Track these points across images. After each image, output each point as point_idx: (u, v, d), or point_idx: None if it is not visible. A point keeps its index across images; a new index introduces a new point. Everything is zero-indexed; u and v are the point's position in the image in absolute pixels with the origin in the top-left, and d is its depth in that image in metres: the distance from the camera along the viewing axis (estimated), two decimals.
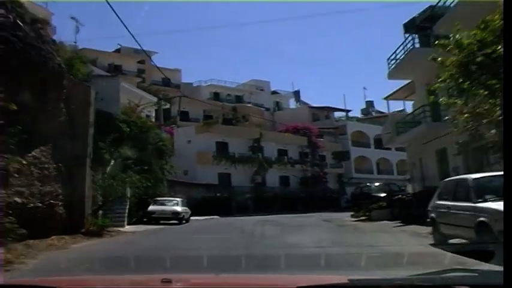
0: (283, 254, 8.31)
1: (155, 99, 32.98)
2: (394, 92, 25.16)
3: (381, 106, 70.50)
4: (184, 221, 25.11)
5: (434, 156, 21.02)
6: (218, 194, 41.82)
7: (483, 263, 5.46)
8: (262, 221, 23.04)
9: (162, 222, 23.87)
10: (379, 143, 59.54)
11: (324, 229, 17.67)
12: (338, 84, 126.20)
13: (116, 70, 51.98)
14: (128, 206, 22.56)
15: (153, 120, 45.90)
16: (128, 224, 22.04)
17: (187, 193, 35.18)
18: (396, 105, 53.12)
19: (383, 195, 21.81)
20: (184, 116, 54.52)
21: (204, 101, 58.58)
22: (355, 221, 21.44)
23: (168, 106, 48.31)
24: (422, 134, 20.84)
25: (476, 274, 2.32)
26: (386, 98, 26.26)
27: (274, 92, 79.39)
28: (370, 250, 9.76)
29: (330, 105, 58.36)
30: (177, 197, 26.99)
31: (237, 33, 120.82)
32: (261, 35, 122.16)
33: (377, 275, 5.31)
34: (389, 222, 18.93)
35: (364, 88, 65.21)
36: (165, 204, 24.99)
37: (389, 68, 22.96)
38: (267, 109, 66.97)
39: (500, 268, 2.41)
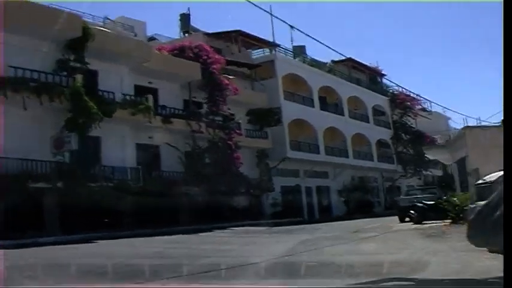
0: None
1: None
2: None
3: (315, 53, 45.93)
4: None
5: None
6: None
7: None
8: None
9: None
10: (324, 102, 35.06)
11: None
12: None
13: None
14: None
15: None
16: None
17: None
18: None
19: None
20: None
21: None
22: None
23: None
24: None
25: (413, 283, 2.34)
26: None
27: (152, 39, 53.16)
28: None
29: (242, 30, 32.42)
30: None
31: None
32: None
33: (316, 284, 5.39)
34: None
35: (292, 27, 39.58)
36: None
37: None
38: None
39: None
